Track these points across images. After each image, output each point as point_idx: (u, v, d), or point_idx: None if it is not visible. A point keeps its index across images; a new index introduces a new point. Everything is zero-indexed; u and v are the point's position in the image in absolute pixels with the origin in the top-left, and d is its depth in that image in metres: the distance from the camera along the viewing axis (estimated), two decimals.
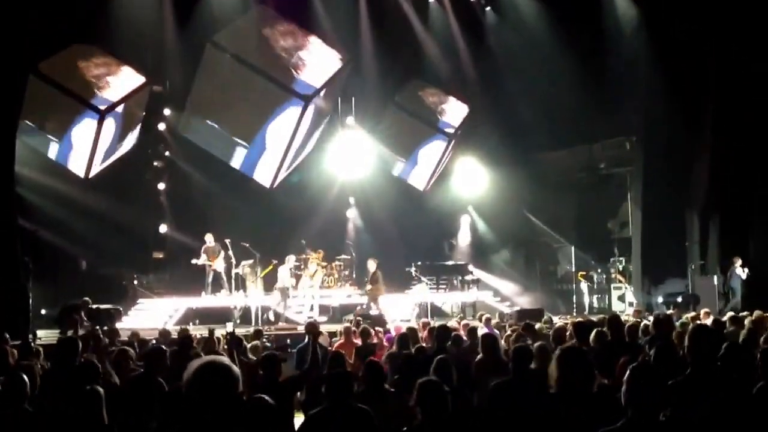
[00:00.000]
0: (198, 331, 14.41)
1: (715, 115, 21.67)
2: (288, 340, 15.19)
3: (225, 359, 3.72)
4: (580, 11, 22.33)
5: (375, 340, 12.64)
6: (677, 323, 11.86)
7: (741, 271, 20.40)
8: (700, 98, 21.72)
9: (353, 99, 24.93)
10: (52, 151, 20.69)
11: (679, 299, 21.05)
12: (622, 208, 25.57)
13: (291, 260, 20.36)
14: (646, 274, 22.96)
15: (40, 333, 16.12)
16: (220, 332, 12.41)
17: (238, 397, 3.61)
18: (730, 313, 14.50)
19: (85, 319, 16.68)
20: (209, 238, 20.40)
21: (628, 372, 4.81)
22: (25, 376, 6.74)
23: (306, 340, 10.44)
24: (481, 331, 12.84)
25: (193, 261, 20.44)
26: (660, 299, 21.86)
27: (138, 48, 21.02)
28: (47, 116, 20.35)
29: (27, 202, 19.22)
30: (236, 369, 3.62)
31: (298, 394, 8.62)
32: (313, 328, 9.88)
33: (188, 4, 21.39)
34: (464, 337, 11.31)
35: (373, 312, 19.14)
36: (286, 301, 19.79)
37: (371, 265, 20.25)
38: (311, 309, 20.10)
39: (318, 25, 22.98)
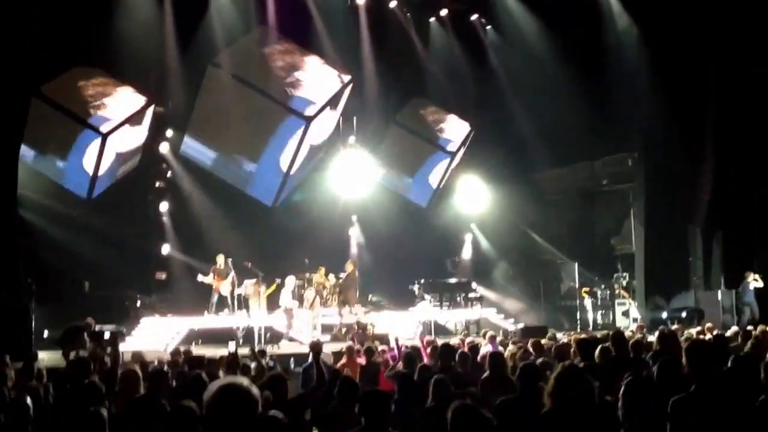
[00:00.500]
0: (201, 350, 14.34)
1: (716, 129, 21.71)
2: (291, 359, 15.15)
3: (245, 381, 3.74)
4: (580, 29, 22.41)
5: (379, 359, 12.58)
6: (682, 338, 11.80)
7: (754, 284, 20.34)
8: (700, 113, 21.75)
9: (355, 118, 24.94)
10: (55, 172, 20.69)
11: (684, 314, 20.97)
12: (625, 224, 25.53)
13: (291, 281, 20.31)
14: (649, 289, 22.93)
15: (42, 355, 16.00)
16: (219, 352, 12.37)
17: (257, 419, 3.67)
18: (734, 328, 14.46)
19: (88, 340, 16.59)
20: (220, 259, 20.37)
21: (623, 386, 4.74)
22: (29, 400, 6.74)
23: (310, 359, 10.55)
24: (486, 348, 12.84)
25: (200, 278, 20.36)
26: (664, 314, 21.77)
27: (140, 69, 21.03)
28: (49, 138, 20.34)
29: (29, 224, 19.18)
30: (256, 391, 3.68)
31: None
32: (316, 348, 9.86)
33: (190, 25, 21.43)
34: (469, 355, 11.22)
35: (344, 320, 19.32)
36: (292, 322, 19.74)
37: (348, 267, 20.21)
38: (314, 328, 20.02)
39: (319, 45, 23.07)
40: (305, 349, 13.54)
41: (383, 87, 24.28)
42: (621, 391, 4.67)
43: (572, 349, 10.51)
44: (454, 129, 25.67)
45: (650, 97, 22.21)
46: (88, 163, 20.57)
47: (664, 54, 21.54)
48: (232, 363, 10.50)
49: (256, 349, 14.32)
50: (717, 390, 5.80)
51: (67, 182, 20.75)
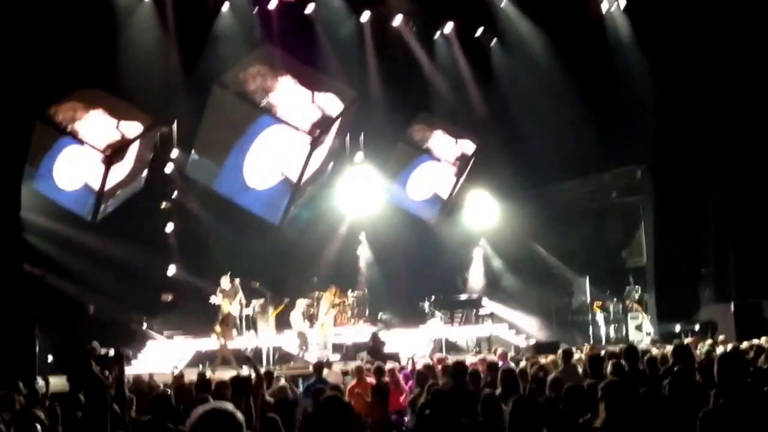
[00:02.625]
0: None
1: (726, 139, 21.49)
2: (300, 380, 14.95)
3: (229, 405, 3.66)
4: (586, 41, 22.29)
5: (388, 379, 12.41)
6: (697, 351, 11.62)
7: None
8: (708, 122, 21.56)
9: (362, 135, 24.83)
10: (59, 195, 20.57)
11: (697, 327, 20.71)
12: (636, 237, 25.33)
13: (302, 303, 20.17)
14: (661, 302, 22.70)
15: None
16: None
17: None
18: (755, 341, 14.21)
19: (94, 364, 16.41)
20: (226, 280, 20.20)
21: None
22: (38, 425, 6.74)
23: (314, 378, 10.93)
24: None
25: (212, 300, 20.17)
26: (677, 328, 21.50)
27: (145, 90, 20.99)
28: (43, 147, 20.20)
29: (33, 248, 19.09)
30: (240, 416, 3.59)
31: None
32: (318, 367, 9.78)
33: (195, 45, 21.40)
34: (482, 373, 11.04)
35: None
36: (306, 344, 19.57)
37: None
38: (324, 347, 19.83)
39: (325, 63, 23.01)
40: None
41: (390, 104, 24.15)
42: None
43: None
44: (463, 145, 25.49)
45: (658, 107, 22.08)
46: (93, 184, 20.43)
47: (670, 64, 21.40)
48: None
49: (264, 370, 14.21)
50: (745, 404, 5.74)
51: (72, 205, 20.61)
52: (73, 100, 19.90)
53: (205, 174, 22.27)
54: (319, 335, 20.07)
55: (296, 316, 19.78)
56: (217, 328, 18.52)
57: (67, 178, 20.51)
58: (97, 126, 20.13)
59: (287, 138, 21.61)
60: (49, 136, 19.41)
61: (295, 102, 21.76)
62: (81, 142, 19.88)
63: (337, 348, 20.48)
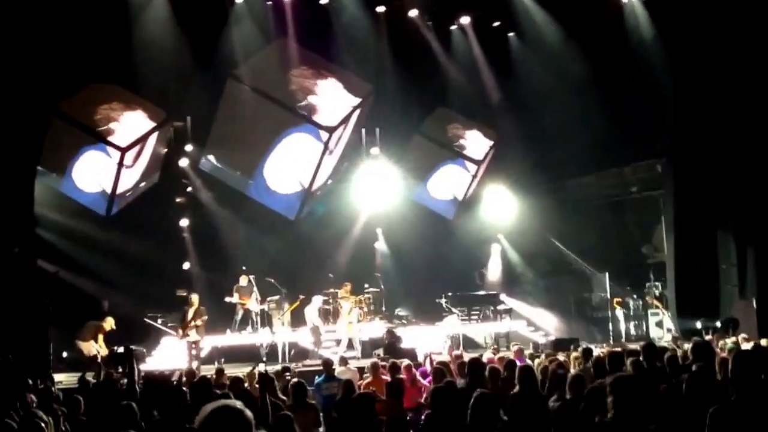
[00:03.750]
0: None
1: (748, 133, 21.11)
2: (317, 377, 14.78)
3: (238, 403, 3.60)
4: (604, 32, 21.97)
5: (404, 375, 12.21)
6: (717, 348, 11.40)
7: None
8: (729, 115, 21.18)
9: (378, 129, 24.62)
10: (73, 190, 20.50)
11: (718, 324, 20.37)
12: (656, 232, 25.03)
13: (317, 300, 19.99)
14: (682, 298, 22.33)
15: (60, 377, 15.80)
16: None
17: None
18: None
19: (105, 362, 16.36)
20: (243, 279, 20.08)
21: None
22: (43, 424, 6.65)
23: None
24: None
25: (227, 299, 20.10)
26: (698, 324, 21.15)
27: (159, 84, 20.89)
28: (67, 155, 20.17)
29: (47, 243, 19.00)
30: (249, 413, 3.55)
31: None
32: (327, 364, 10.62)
33: (209, 39, 21.22)
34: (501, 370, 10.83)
35: None
36: (320, 339, 19.40)
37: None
38: (351, 347, 19.55)
39: (340, 57, 22.82)
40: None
41: (406, 97, 23.91)
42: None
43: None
44: (480, 138, 25.28)
45: (678, 100, 21.75)
46: (107, 179, 20.37)
47: (690, 55, 21.06)
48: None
49: (280, 366, 14.12)
50: (758, 401, 5.68)
51: (86, 200, 20.54)
52: (85, 94, 19.84)
53: (219, 169, 22.22)
54: (345, 334, 19.78)
55: (311, 312, 19.58)
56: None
57: (81, 173, 20.50)
58: (109, 120, 20.06)
59: (302, 131, 21.53)
60: (63, 130, 19.37)
61: (309, 95, 21.64)
62: (94, 136, 19.82)
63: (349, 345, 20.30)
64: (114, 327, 17.46)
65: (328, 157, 22.17)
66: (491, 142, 25.15)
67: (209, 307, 19.94)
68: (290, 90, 21.78)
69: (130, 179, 21.08)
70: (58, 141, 19.78)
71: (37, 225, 17.96)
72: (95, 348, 16.99)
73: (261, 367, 14.81)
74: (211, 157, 22.11)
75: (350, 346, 19.62)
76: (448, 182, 25.37)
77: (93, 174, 20.61)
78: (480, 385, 9.25)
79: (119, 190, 20.81)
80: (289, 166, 22.17)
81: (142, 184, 21.44)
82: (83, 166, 20.46)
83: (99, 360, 16.58)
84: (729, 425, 5.44)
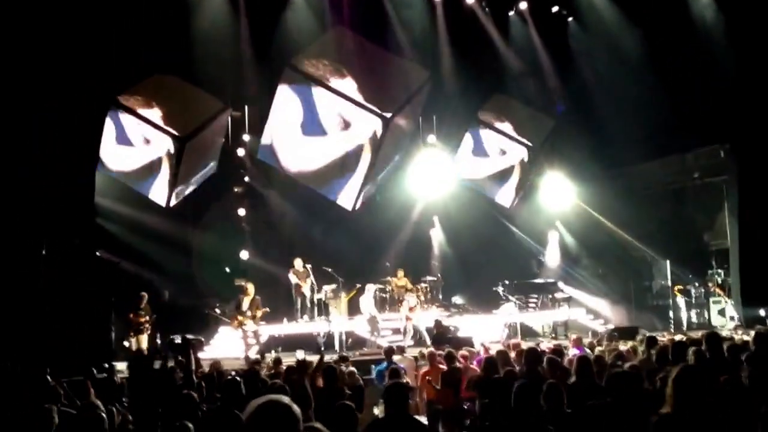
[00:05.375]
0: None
1: None
2: (373, 366, 14.81)
3: (285, 398, 3.62)
4: (666, 17, 21.51)
5: (460, 365, 12.16)
6: None
7: None
8: None
9: (434, 117, 24.47)
10: (132, 180, 20.77)
11: None
12: (719, 219, 24.51)
13: (371, 289, 20.00)
14: (746, 286, 21.86)
15: (122, 366, 16.05)
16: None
17: None
18: None
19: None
20: (298, 263, 20.20)
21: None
22: (102, 413, 6.70)
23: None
24: (572, 352, 12.27)
25: (290, 277, 20.30)
26: (762, 312, 20.68)
27: (217, 75, 21.01)
28: None
29: (108, 234, 19.30)
30: (296, 408, 3.56)
31: None
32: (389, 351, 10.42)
33: (266, 29, 21.33)
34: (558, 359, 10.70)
35: None
36: (377, 327, 19.42)
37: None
38: (417, 337, 19.50)
39: (396, 44, 22.71)
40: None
41: (463, 84, 23.73)
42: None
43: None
44: (539, 125, 24.94)
45: (742, 84, 21.17)
46: (166, 170, 20.57)
47: (754, 38, 20.49)
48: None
49: (337, 356, 14.18)
50: None
51: (146, 190, 20.78)
52: (145, 86, 20.04)
53: (276, 159, 22.28)
54: (410, 324, 19.75)
55: (366, 301, 19.60)
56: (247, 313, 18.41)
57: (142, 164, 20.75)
58: (169, 111, 20.24)
59: (359, 120, 21.45)
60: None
61: (366, 83, 21.54)
62: (154, 126, 20.02)
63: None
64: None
65: (384, 145, 22.06)
66: (552, 124, 24.82)
67: (267, 296, 20.15)
68: (347, 78, 21.70)
69: (188, 169, 21.25)
70: None
71: (98, 215, 18.20)
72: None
73: (300, 354, 14.96)
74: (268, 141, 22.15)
75: (415, 335, 19.60)
76: (502, 161, 25.08)
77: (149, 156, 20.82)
78: (536, 374, 9.18)
79: (178, 181, 20.99)
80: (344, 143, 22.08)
81: (200, 173, 21.60)
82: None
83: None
84: None
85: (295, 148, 21.68)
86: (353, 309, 20.45)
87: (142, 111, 19.99)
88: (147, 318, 18.08)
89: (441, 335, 17.96)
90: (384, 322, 20.41)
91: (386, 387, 6.79)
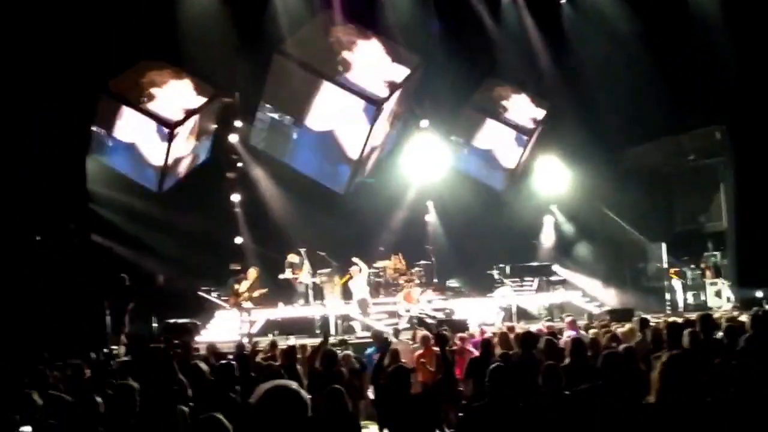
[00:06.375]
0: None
1: None
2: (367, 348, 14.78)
3: (294, 384, 3.67)
4: None
5: (455, 347, 12.10)
6: None
7: None
8: None
9: (427, 101, 24.33)
10: (125, 166, 20.68)
11: None
12: (714, 201, 24.46)
13: (365, 271, 19.87)
14: (742, 268, 21.84)
15: (117, 350, 16.03)
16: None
17: (307, 421, 3.61)
18: None
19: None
20: (293, 257, 20.13)
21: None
22: (98, 399, 6.63)
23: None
24: (567, 333, 12.23)
25: (281, 276, 20.26)
26: (759, 294, 20.66)
27: (206, 60, 20.87)
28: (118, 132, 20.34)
29: (101, 219, 19.22)
30: (305, 394, 3.60)
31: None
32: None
33: (254, 14, 21.16)
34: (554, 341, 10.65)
35: None
36: (367, 311, 19.33)
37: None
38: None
39: (387, 28, 22.52)
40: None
41: (455, 68, 23.53)
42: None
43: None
44: (532, 109, 24.85)
45: (738, 65, 21.07)
46: (158, 155, 20.48)
47: (750, 17, 20.37)
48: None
49: (336, 339, 14.15)
50: None
51: (138, 176, 20.71)
52: (134, 72, 19.93)
53: (269, 144, 22.21)
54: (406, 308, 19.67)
55: (359, 283, 19.47)
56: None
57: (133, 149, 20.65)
58: (159, 97, 20.14)
59: (350, 106, 21.37)
60: (112, 107, 19.51)
61: (358, 68, 21.44)
62: (144, 113, 19.94)
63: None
64: None
65: (376, 129, 21.97)
66: (543, 112, 24.72)
67: (262, 280, 20.10)
68: (337, 63, 21.58)
69: (180, 155, 21.16)
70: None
71: (90, 201, 18.13)
72: None
73: (291, 340, 14.98)
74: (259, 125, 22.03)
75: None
76: (496, 146, 24.98)
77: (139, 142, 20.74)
78: (532, 357, 9.11)
79: (169, 166, 20.90)
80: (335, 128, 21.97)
81: (192, 159, 21.53)
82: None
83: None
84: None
85: None
86: (347, 293, 20.37)
87: (131, 97, 19.90)
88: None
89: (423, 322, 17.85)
90: (378, 306, 20.36)
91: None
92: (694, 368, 5.16)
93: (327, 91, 21.27)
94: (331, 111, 21.51)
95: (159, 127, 20.28)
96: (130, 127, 20.35)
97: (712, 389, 5.42)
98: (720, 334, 9.79)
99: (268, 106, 21.56)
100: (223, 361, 9.38)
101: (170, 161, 20.70)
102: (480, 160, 24.93)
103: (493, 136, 24.69)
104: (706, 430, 4.83)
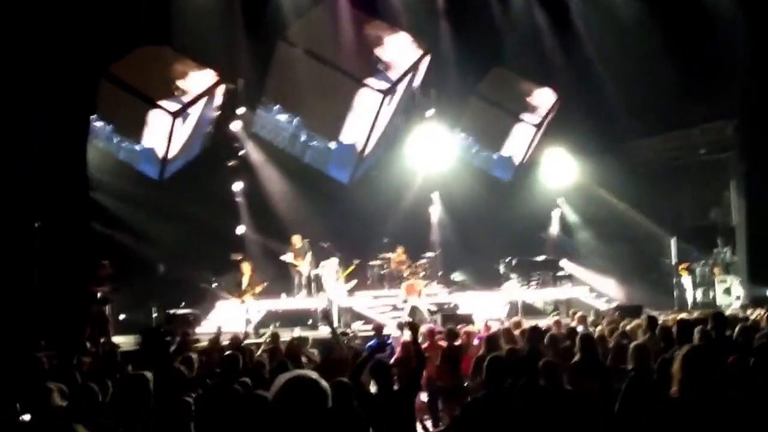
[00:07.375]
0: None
1: None
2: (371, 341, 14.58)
3: (314, 374, 3.60)
4: None
5: (461, 342, 11.87)
6: None
7: None
8: None
9: (433, 91, 24.05)
10: (126, 153, 20.45)
11: None
12: (725, 196, 24.18)
13: (334, 263, 19.34)
14: (753, 264, 21.52)
15: (118, 339, 15.86)
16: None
17: (328, 412, 3.54)
18: None
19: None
20: (297, 239, 19.89)
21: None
22: (96, 388, 6.60)
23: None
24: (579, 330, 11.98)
25: (282, 257, 20.06)
26: None
27: (210, 47, 20.68)
28: (119, 119, 20.08)
29: (102, 207, 19.02)
30: (324, 383, 3.54)
31: None
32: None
33: (258, 1, 20.89)
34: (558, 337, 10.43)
35: None
36: (332, 303, 18.86)
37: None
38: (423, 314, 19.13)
39: (393, 16, 22.28)
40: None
41: (462, 57, 23.27)
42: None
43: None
44: (540, 100, 24.54)
45: (751, 58, 20.75)
46: (159, 143, 20.24)
47: (764, 10, 20.01)
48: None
49: (338, 331, 13.93)
50: None
51: (139, 163, 20.47)
52: (137, 56, 19.66)
53: (272, 132, 21.98)
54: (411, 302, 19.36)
55: (328, 275, 19.03)
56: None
57: (134, 136, 20.43)
58: (161, 83, 19.91)
59: (355, 94, 21.12)
60: (114, 93, 19.29)
61: (362, 56, 21.17)
62: (145, 99, 19.71)
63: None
64: None
65: (381, 119, 21.70)
66: (550, 104, 24.40)
67: (264, 270, 19.86)
68: (342, 50, 21.30)
69: (182, 143, 20.91)
70: (129, 106, 19.76)
71: (91, 188, 17.94)
72: None
73: (296, 332, 14.78)
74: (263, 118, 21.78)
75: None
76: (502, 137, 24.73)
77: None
78: (539, 352, 8.88)
79: (171, 154, 20.65)
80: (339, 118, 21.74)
81: (192, 146, 21.28)
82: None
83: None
84: None
85: None
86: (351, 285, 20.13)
87: (133, 83, 19.68)
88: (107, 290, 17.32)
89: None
90: (383, 299, 20.18)
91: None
92: (715, 361, 5.20)
93: (330, 78, 21.05)
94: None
95: (160, 114, 20.02)
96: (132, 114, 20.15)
97: (729, 386, 5.40)
98: (732, 332, 9.49)
99: (277, 107, 21.39)
100: (228, 353, 9.22)
101: (172, 149, 20.45)
102: (486, 151, 24.65)
103: (499, 126, 24.42)
104: (729, 421, 4.81)
